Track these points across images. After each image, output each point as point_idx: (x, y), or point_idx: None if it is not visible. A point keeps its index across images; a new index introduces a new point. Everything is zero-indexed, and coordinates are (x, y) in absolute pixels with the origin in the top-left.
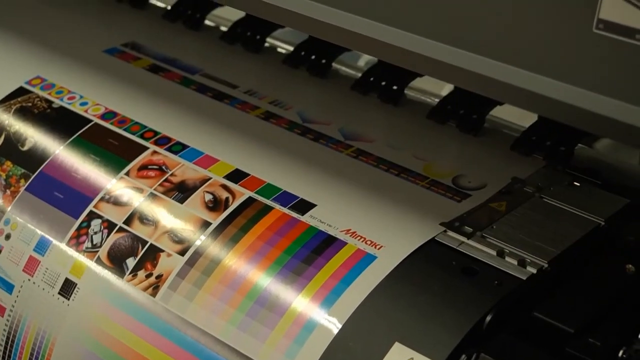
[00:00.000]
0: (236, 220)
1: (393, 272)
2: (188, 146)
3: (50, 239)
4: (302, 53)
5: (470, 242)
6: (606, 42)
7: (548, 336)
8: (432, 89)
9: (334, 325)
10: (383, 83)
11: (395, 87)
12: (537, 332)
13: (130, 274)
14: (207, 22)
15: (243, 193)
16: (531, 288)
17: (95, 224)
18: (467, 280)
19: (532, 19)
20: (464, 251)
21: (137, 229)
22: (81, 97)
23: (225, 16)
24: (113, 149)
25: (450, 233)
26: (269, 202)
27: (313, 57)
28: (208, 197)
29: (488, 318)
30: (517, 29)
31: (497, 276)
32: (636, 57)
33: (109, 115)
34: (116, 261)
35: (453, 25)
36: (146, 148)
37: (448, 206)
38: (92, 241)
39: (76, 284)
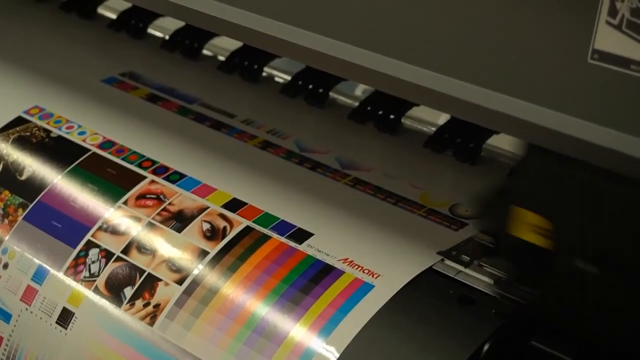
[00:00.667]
0: (234, 250)
1: (390, 302)
2: (186, 175)
3: (48, 268)
4: (300, 82)
5: (468, 270)
6: (601, 72)
7: None
8: (429, 117)
9: (332, 355)
10: (380, 112)
11: (392, 116)
12: None
13: (127, 303)
14: (205, 51)
15: (241, 222)
16: (529, 317)
17: (93, 253)
18: (464, 309)
19: (528, 50)
20: (462, 280)
21: (135, 258)
22: (79, 126)
23: (223, 46)
24: (111, 178)
25: (448, 262)
26: (266, 231)
27: (310, 86)
28: (206, 226)
29: (485, 347)
30: (513, 59)
31: (494, 305)
32: (631, 87)
33: (107, 144)
34: (114, 290)
35: (449, 55)
36: (144, 177)
37: (445, 235)
38: (89, 270)
39: (74, 313)
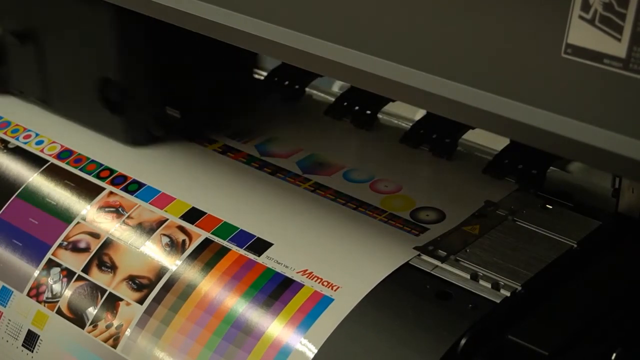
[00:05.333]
0: (193, 265)
1: (367, 297)
2: (144, 184)
3: (12, 289)
4: (275, 79)
5: (444, 265)
6: (575, 67)
7: (522, 359)
8: (406, 113)
9: (309, 351)
10: (356, 108)
11: (368, 112)
12: (512, 355)
13: (90, 324)
14: None
15: (200, 234)
16: (505, 311)
17: (55, 272)
18: (441, 304)
19: (502, 44)
20: (438, 275)
21: (96, 277)
22: (37, 135)
23: None
24: (69, 191)
25: (424, 257)
26: (225, 243)
27: (286, 82)
28: (165, 240)
29: (462, 342)
30: (487, 54)
31: (471, 300)
32: (604, 81)
33: (64, 154)
34: (76, 312)
35: (423, 51)
36: (102, 189)
37: (406, 240)
38: (52, 291)
39: (39, 336)
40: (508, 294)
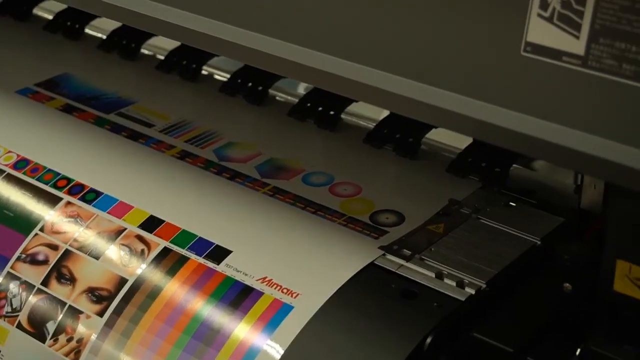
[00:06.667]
0: (152, 275)
1: (333, 297)
2: (102, 193)
3: None
4: (239, 81)
5: (409, 264)
6: (534, 65)
7: (488, 356)
8: (370, 113)
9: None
10: (320, 109)
11: (332, 113)
12: (477, 353)
13: (51, 338)
14: (143, 51)
15: (158, 243)
16: (470, 309)
17: (14, 286)
18: (406, 302)
19: (462, 43)
20: (403, 274)
21: (55, 290)
22: None
23: (161, 45)
24: (26, 202)
25: (389, 256)
26: (184, 251)
27: (250, 84)
28: (123, 250)
29: (428, 340)
30: (447, 54)
31: (436, 298)
32: (563, 79)
33: (21, 164)
34: (37, 326)
35: (384, 51)
36: (60, 199)
37: (365, 243)
38: (11, 305)
39: (0, 351)
40: (473, 291)
